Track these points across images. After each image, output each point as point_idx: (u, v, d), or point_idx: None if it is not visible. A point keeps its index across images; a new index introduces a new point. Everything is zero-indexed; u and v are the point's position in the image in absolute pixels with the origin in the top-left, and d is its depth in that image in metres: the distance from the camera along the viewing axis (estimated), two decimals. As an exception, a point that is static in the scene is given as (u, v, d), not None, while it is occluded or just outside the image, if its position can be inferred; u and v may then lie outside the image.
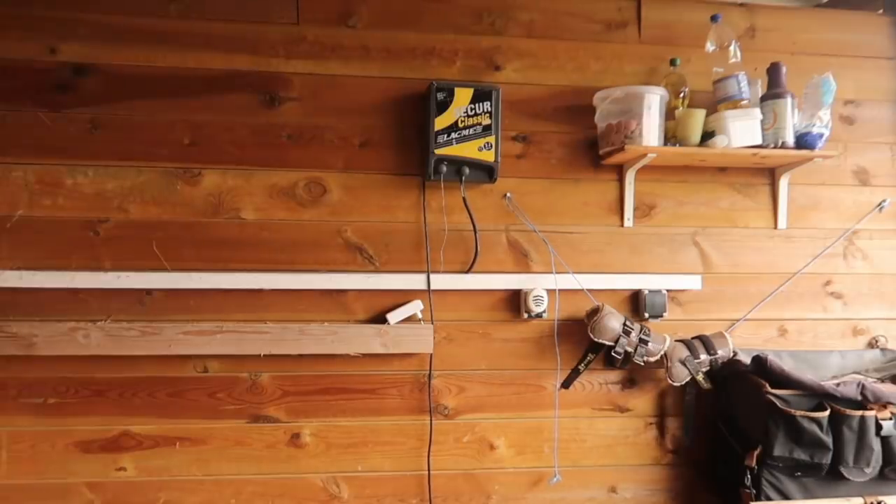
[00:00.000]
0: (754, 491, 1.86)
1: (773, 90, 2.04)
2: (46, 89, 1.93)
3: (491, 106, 1.98)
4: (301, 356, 2.00)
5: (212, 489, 2.00)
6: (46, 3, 1.92)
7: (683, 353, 2.03)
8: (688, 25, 2.18)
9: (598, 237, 2.14)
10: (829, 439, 1.79)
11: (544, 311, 2.06)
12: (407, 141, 2.06)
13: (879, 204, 2.26)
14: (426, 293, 2.04)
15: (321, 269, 2.02)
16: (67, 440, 1.94)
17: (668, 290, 2.14)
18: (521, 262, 2.11)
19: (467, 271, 2.07)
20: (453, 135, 1.97)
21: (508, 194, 2.10)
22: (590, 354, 2.08)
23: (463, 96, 1.97)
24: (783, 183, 2.19)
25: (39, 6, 1.92)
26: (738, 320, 2.20)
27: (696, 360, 2.02)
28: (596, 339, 2.00)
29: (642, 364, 2.03)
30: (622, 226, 2.15)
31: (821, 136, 2.03)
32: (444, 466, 2.08)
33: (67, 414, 1.94)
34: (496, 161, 1.99)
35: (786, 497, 1.86)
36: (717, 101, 2.04)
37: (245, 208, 2.00)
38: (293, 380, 2.02)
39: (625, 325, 2.01)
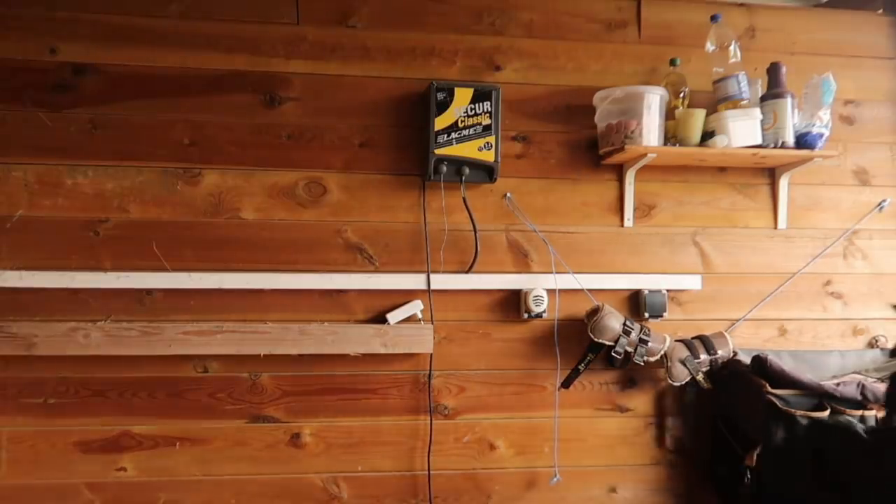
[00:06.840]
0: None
1: (773, 90, 2.04)
2: (46, 89, 1.93)
3: (491, 106, 1.98)
4: (301, 356, 2.00)
5: (212, 489, 2.00)
6: (46, 3, 1.93)
7: (683, 353, 2.03)
8: (688, 25, 2.18)
9: (598, 237, 2.15)
10: (829, 439, 1.79)
11: (544, 311, 2.06)
12: (407, 141, 2.06)
13: (879, 204, 2.26)
14: (426, 293, 2.04)
15: (321, 269, 2.02)
16: (67, 440, 1.95)
17: (668, 290, 2.14)
18: (521, 262, 2.11)
19: (467, 271, 2.07)
20: (453, 135, 1.97)
21: (508, 194, 2.10)
22: (590, 354, 2.07)
23: (463, 96, 1.97)
24: (783, 183, 2.19)
25: (39, 6, 1.92)
26: (738, 320, 2.20)
27: (696, 360, 2.02)
28: (596, 339, 2.00)
29: (642, 364, 2.03)
30: (622, 226, 2.15)
31: (821, 136, 2.03)
32: (444, 466, 2.08)
33: (67, 414, 1.94)
34: (496, 161, 1.99)
35: (786, 497, 1.86)
36: (717, 101, 2.04)
37: (245, 208, 2.00)
38: (293, 380, 2.02)
39: (625, 325, 2.01)
